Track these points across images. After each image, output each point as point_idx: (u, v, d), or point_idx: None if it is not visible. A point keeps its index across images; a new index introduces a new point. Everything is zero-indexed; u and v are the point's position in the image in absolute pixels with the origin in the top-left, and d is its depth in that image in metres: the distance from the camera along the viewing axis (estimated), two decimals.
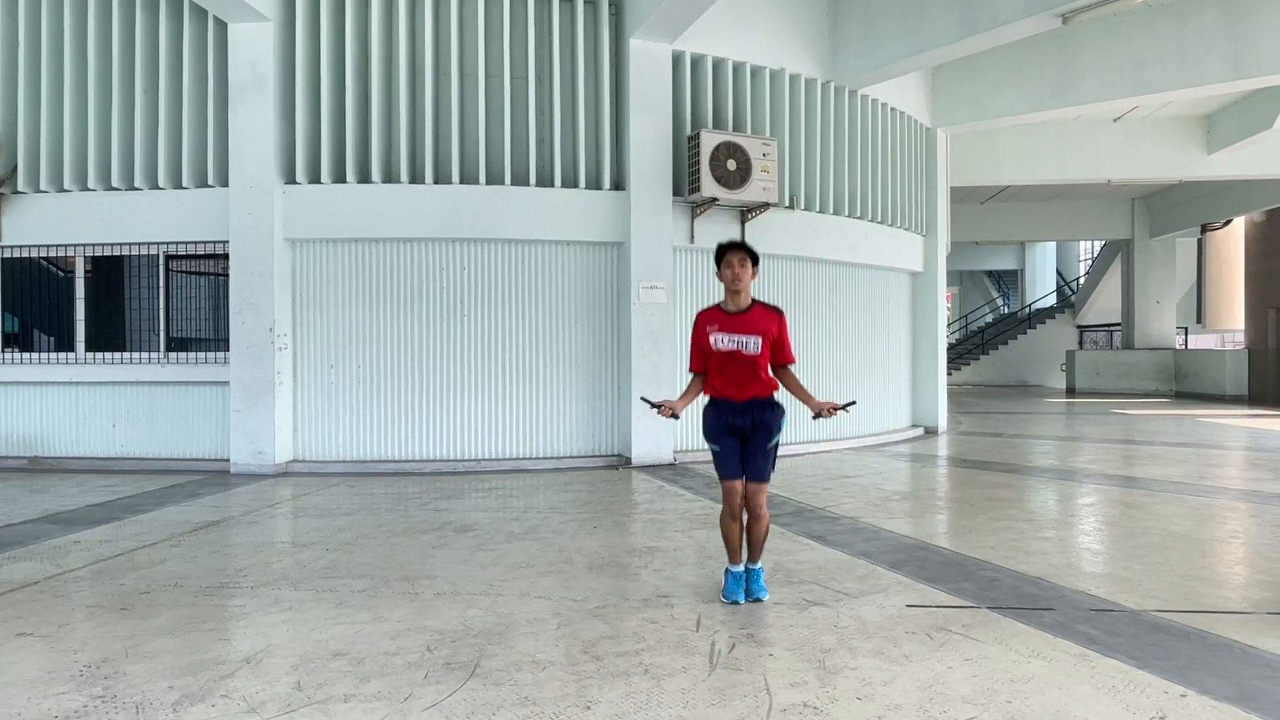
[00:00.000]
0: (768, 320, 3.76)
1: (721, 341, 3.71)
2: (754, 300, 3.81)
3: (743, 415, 3.74)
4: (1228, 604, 3.68)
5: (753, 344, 3.70)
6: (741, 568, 3.78)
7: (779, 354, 3.80)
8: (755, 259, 3.79)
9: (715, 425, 3.79)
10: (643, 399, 4.22)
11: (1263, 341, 17.10)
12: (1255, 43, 9.11)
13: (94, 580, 4.08)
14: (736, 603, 3.68)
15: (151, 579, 4.09)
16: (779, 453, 3.86)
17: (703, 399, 3.91)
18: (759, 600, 3.72)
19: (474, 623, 3.41)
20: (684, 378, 8.43)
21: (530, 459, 8.06)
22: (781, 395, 3.85)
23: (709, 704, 2.63)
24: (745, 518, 3.79)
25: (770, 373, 3.81)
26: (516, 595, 3.80)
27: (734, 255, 3.74)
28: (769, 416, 3.75)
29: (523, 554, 4.59)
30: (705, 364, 3.81)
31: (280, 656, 3.03)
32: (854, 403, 3.93)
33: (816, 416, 3.73)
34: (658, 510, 5.88)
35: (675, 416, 3.76)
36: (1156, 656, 2.99)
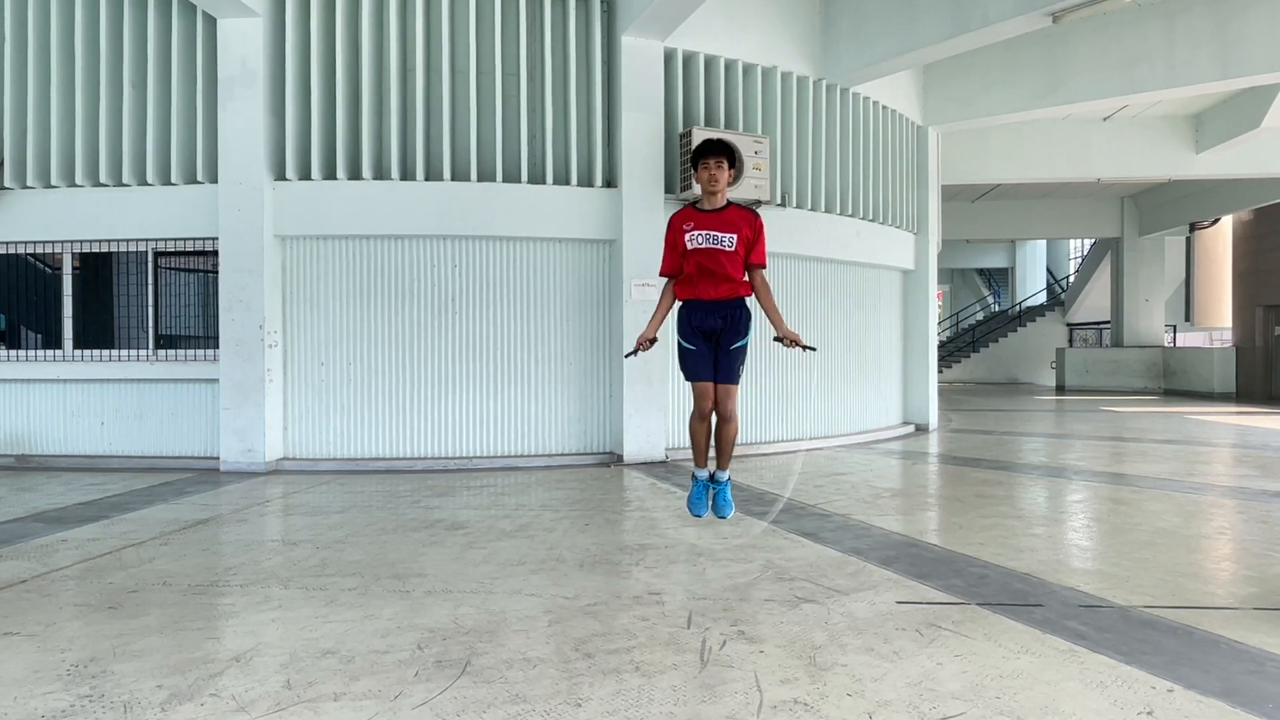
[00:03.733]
0: (743, 220, 3.77)
1: (698, 239, 3.72)
2: (729, 201, 3.81)
3: (715, 314, 3.75)
4: (1215, 600, 3.71)
5: (728, 240, 3.71)
6: (708, 473, 3.81)
7: (753, 254, 3.80)
8: (732, 161, 3.77)
9: (688, 326, 3.79)
10: (625, 356, 4.22)
11: (1250, 339, 17.23)
12: (1243, 43, 9.16)
13: (82, 579, 4.05)
14: (699, 516, 3.71)
15: (140, 577, 4.07)
16: (744, 356, 3.89)
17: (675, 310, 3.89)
18: (722, 517, 3.74)
19: (465, 620, 3.41)
20: (675, 375, 8.46)
21: (522, 456, 8.05)
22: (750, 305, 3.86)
23: (700, 701, 2.63)
24: (714, 421, 3.80)
25: (745, 275, 3.81)
26: (507, 593, 3.80)
27: (711, 158, 3.74)
28: (740, 316, 3.77)
29: (514, 552, 4.58)
30: (678, 266, 3.80)
31: (270, 655, 3.02)
32: (814, 348, 3.96)
33: (778, 340, 3.76)
34: (649, 508, 5.88)
35: (653, 342, 3.81)
36: (1144, 652, 3.01)
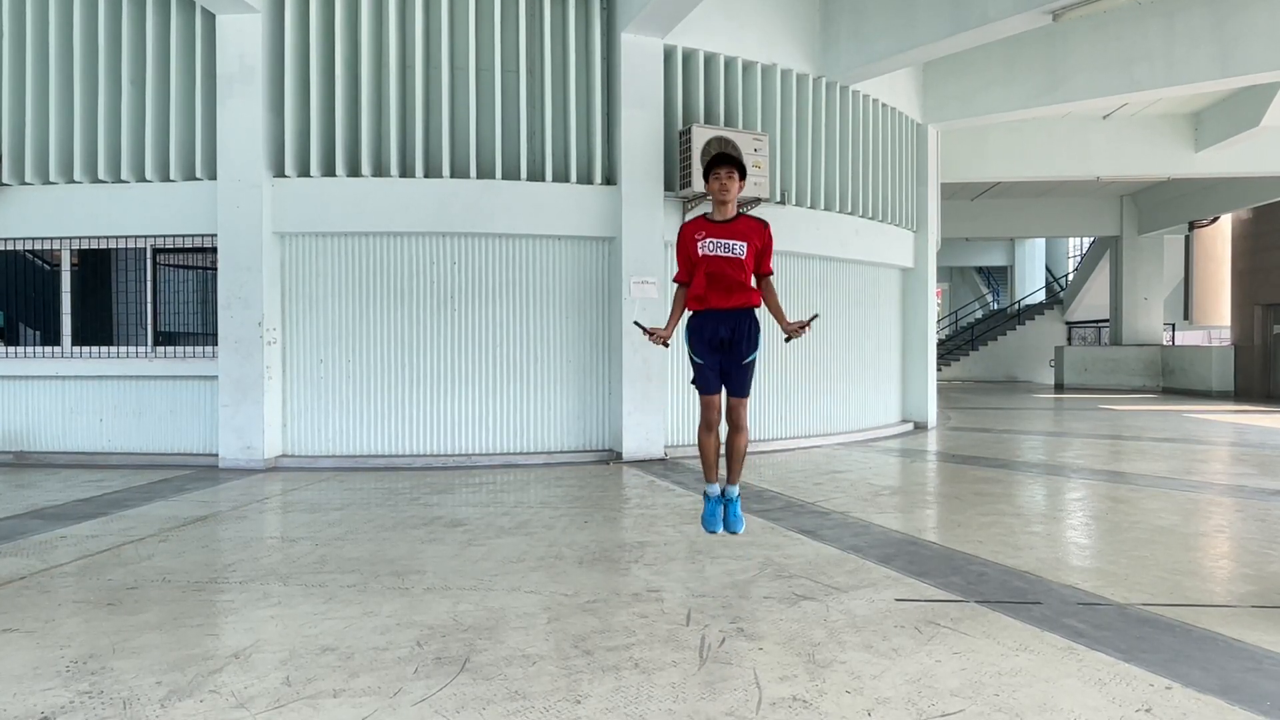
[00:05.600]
0: (753, 230, 3.82)
1: (709, 247, 3.76)
2: (740, 211, 3.87)
3: (725, 324, 3.79)
4: (1213, 598, 3.71)
5: (739, 248, 3.76)
6: (718, 489, 3.85)
7: (762, 263, 3.86)
8: (743, 171, 3.82)
9: (699, 337, 3.83)
10: (635, 323, 4.25)
11: (1249, 338, 17.24)
12: (1243, 41, 9.16)
13: (80, 575, 4.05)
14: (714, 532, 3.74)
15: (139, 574, 4.07)
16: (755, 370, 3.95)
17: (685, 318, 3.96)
18: (734, 534, 3.77)
19: (464, 617, 3.41)
20: (675, 372, 8.48)
21: (521, 454, 8.05)
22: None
23: (699, 697, 2.63)
24: (724, 433, 3.84)
25: (754, 283, 3.87)
26: (507, 590, 3.80)
27: (722, 168, 3.79)
28: (750, 327, 3.82)
29: (513, 549, 4.58)
30: (690, 273, 3.85)
31: (269, 651, 3.02)
32: (816, 315, 4.04)
33: (788, 339, 3.81)
34: (648, 505, 5.88)
35: (666, 344, 3.88)
36: (1142, 649, 3.02)
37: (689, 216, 8.31)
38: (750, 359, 3.81)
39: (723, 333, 3.78)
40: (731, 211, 3.84)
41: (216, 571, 4.14)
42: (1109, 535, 4.96)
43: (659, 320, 8.02)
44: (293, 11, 7.60)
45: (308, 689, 2.70)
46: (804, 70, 9.24)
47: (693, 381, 3.91)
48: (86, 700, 2.61)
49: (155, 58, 7.82)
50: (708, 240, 3.77)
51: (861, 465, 7.84)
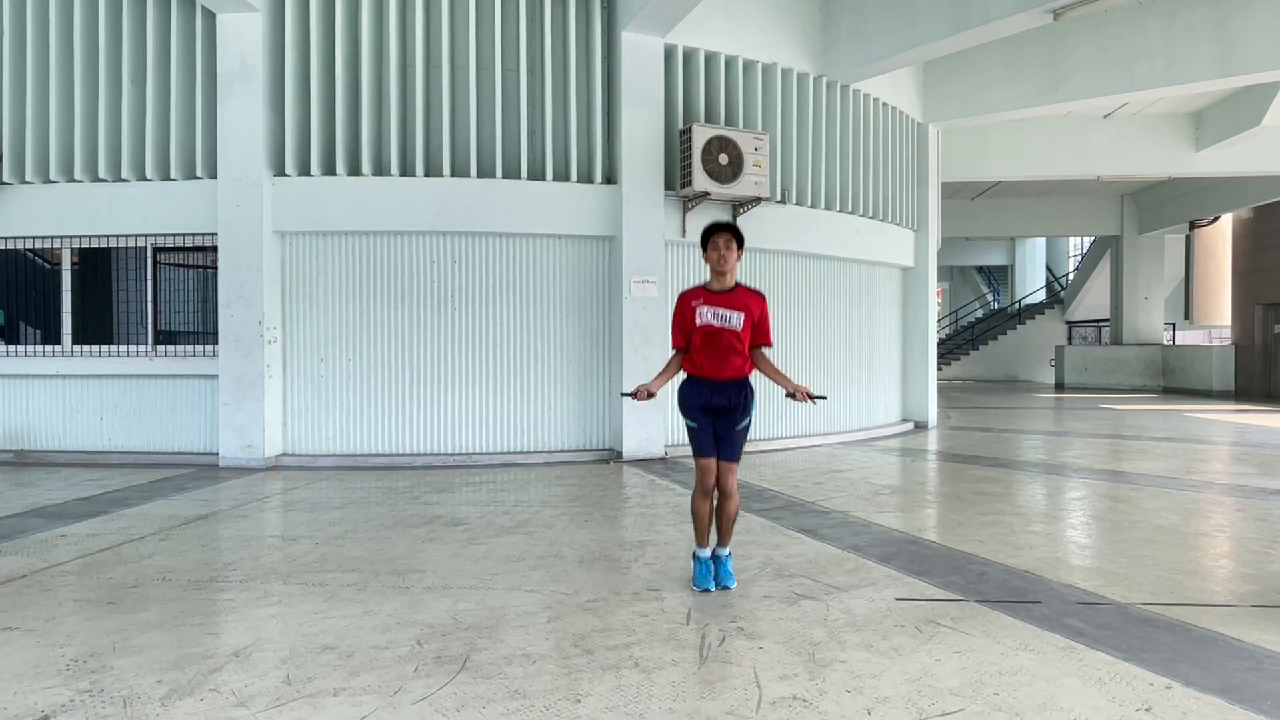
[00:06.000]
0: (750, 301, 3.86)
1: (706, 316, 3.79)
2: (738, 283, 3.89)
3: (720, 393, 3.82)
4: (1213, 597, 3.71)
5: (736, 319, 3.79)
6: (709, 552, 3.88)
7: (758, 335, 3.89)
8: (741, 241, 3.86)
9: (692, 403, 3.86)
10: (622, 395, 4.32)
11: (1249, 337, 17.24)
12: (1243, 40, 9.15)
13: (81, 574, 4.05)
14: (707, 590, 3.74)
15: (139, 573, 4.07)
16: (748, 436, 3.97)
17: (678, 379, 3.98)
18: (727, 589, 3.78)
19: (464, 616, 3.41)
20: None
21: (521, 453, 8.05)
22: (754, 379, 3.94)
23: (699, 697, 2.64)
24: (716, 498, 3.87)
25: (748, 354, 3.89)
26: (507, 589, 3.80)
27: (720, 237, 3.83)
28: (744, 397, 3.86)
29: (513, 548, 4.58)
30: (687, 341, 3.88)
31: (269, 650, 3.02)
32: (824, 398, 4.10)
33: (790, 396, 3.84)
34: (649, 504, 5.88)
35: (652, 396, 3.89)
36: (1142, 649, 3.02)
37: (695, 213, 8.33)
38: (744, 425, 3.85)
39: (716, 400, 3.82)
40: (730, 282, 3.87)
41: (217, 570, 4.14)
42: (1109, 535, 4.96)
43: (658, 320, 8.04)
44: (293, 10, 7.59)
45: (308, 687, 2.70)
46: (804, 69, 9.24)
47: (690, 443, 3.92)
48: (87, 699, 2.61)
49: (156, 56, 7.82)
50: (705, 309, 3.80)
51: (862, 464, 7.84)
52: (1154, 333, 20.55)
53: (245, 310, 7.55)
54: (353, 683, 2.74)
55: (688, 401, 3.87)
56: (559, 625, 3.30)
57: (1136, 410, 14.14)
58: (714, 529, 3.92)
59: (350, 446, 7.86)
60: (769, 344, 3.92)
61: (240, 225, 7.53)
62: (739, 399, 3.83)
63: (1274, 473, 7.23)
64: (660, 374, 3.96)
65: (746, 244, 3.95)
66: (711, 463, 3.82)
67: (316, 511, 5.63)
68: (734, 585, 3.83)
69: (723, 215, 8.54)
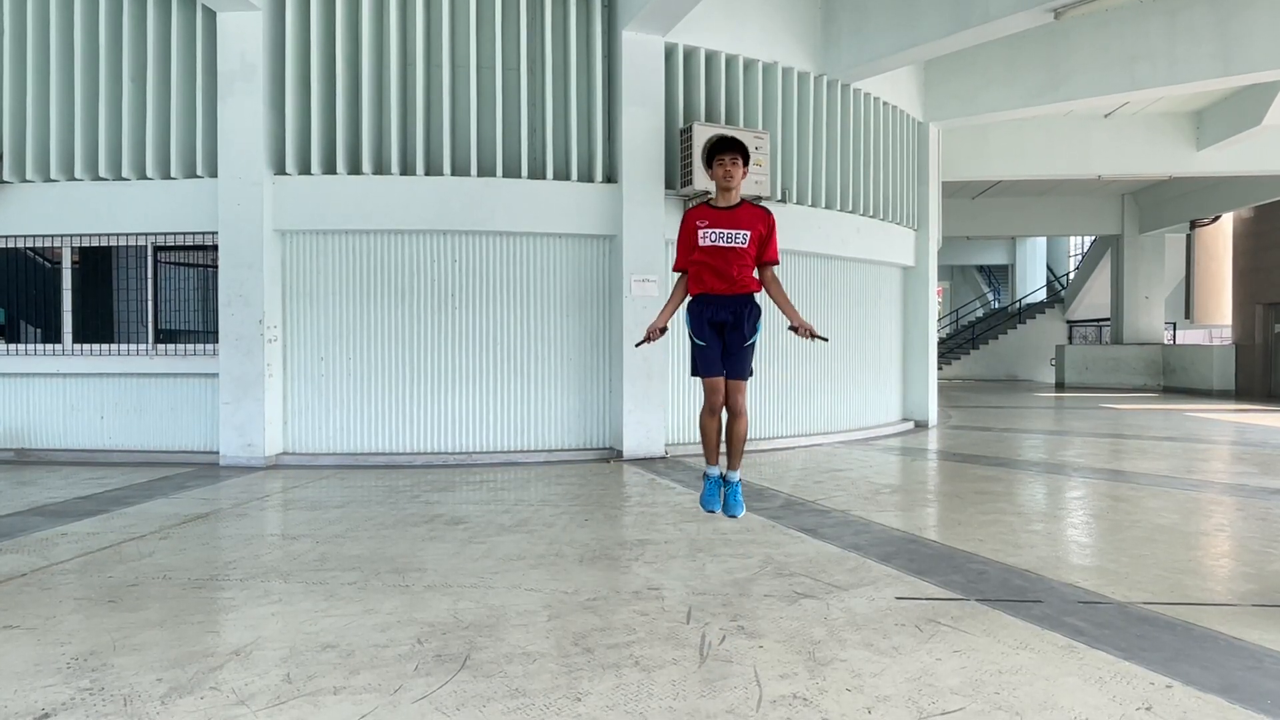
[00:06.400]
0: (756, 218, 3.84)
1: (710, 236, 3.79)
2: (743, 199, 3.87)
3: (726, 309, 3.82)
4: (1213, 596, 3.71)
5: (741, 238, 3.78)
6: (719, 471, 3.89)
7: (765, 251, 3.86)
8: (747, 158, 3.84)
9: (699, 320, 3.86)
10: (635, 345, 4.28)
11: (1250, 337, 17.23)
12: (1245, 40, 9.14)
13: (81, 572, 4.05)
14: (713, 511, 3.77)
15: (140, 571, 4.07)
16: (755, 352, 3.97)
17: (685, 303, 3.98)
18: (733, 516, 3.79)
19: (464, 615, 3.41)
20: (675, 370, 8.47)
21: (521, 452, 8.05)
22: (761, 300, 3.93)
23: (699, 695, 2.64)
24: (725, 417, 3.88)
25: (755, 272, 3.88)
26: (507, 587, 3.80)
27: (726, 155, 3.80)
28: (751, 312, 3.84)
29: (514, 546, 4.59)
30: (690, 259, 3.87)
31: (270, 649, 3.02)
32: (826, 339, 4.05)
33: (792, 329, 3.84)
34: (649, 503, 5.88)
35: (664, 331, 3.90)
36: (1143, 648, 3.02)
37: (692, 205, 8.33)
38: (751, 341, 3.84)
39: (723, 316, 3.81)
40: (735, 198, 3.85)
41: (217, 569, 4.14)
42: (1110, 534, 4.96)
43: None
44: (294, 9, 7.59)
45: (308, 686, 2.70)
46: (805, 68, 9.23)
47: (693, 372, 3.91)
48: (87, 697, 2.61)
49: (156, 55, 7.82)
50: (710, 229, 3.79)
51: (862, 463, 7.84)
52: (1154, 332, 20.55)
53: (246, 309, 7.55)
54: (353, 681, 2.74)
55: (695, 319, 3.86)
56: (559, 624, 3.30)
57: (1137, 409, 14.14)
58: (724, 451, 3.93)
59: (350, 445, 7.86)
60: (776, 261, 3.90)
61: (241, 224, 7.53)
62: (746, 314, 3.81)
63: (1274, 472, 7.23)
64: (667, 304, 3.95)
65: (745, 144, 3.91)
66: (719, 381, 3.82)
67: (317, 510, 5.63)
68: (741, 514, 3.86)
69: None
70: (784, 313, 3.86)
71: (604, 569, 4.15)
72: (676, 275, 4.01)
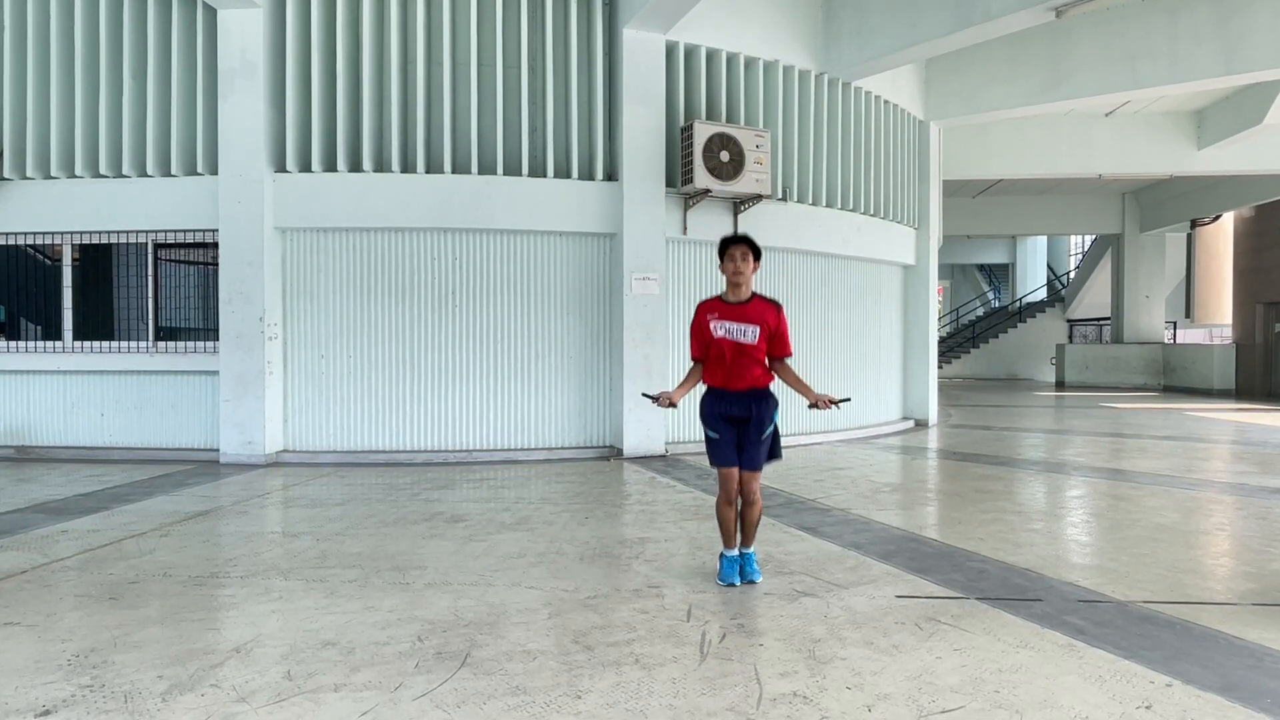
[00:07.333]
0: (766, 312, 3.87)
1: (721, 330, 3.82)
2: (754, 293, 3.89)
3: (739, 405, 3.85)
4: (1213, 595, 3.71)
5: (751, 333, 3.81)
6: (736, 552, 3.89)
7: (776, 346, 3.89)
8: (758, 254, 3.87)
9: (712, 413, 3.89)
10: (643, 395, 4.35)
11: (1250, 336, 17.23)
12: (1246, 39, 9.14)
13: (82, 570, 4.06)
14: (733, 584, 3.79)
15: (140, 568, 4.07)
16: (782, 442, 3.98)
17: (700, 389, 4.01)
18: (753, 583, 3.82)
19: (465, 613, 3.41)
20: (675, 369, 8.48)
21: (521, 450, 8.06)
22: (777, 387, 3.93)
23: (699, 693, 2.64)
24: (739, 504, 3.90)
25: (767, 364, 3.91)
26: (507, 585, 3.81)
27: (737, 249, 3.85)
28: (764, 407, 3.86)
29: (514, 544, 4.59)
30: (705, 352, 3.91)
31: (270, 646, 3.03)
32: (849, 399, 4.05)
33: (812, 407, 3.87)
34: (649, 501, 5.89)
35: (673, 405, 3.92)
36: (1143, 647, 3.02)
37: (696, 210, 8.32)
38: (766, 434, 3.85)
39: (737, 411, 3.84)
40: (745, 294, 3.87)
41: (218, 566, 4.14)
42: (1109, 533, 4.96)
43: (659, 318, 8.04)
44: (294, 7, 7.59)
45: (309, 683, 2.70)
46: (806, 66, 9.22)
47: (710, 462, 3.93)
48: (88, 694, 2.61)
49: (156, 52, 7.81)
50: (720, 323, 3.82)
51: (862, 462, 7.84)
52: (1155, 331, 20.54)
53: (246, 306, 7.55)
54: (353, 678, 2.74)
55: (708, 412, 3.90)
56: (559, 622, 3.31)
57: (1137, 409, 14.14)
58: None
59: (351, 443, 7.87)
60: (789, 354, 3.92)
61: (241, 221, 7.53)
62: (759, 409, 3.83)
63: (1274, 471, 7.23)
64: (682, 384, 3.99)
65: (756, 242, 3.94)
66: (733, 471, 3.85)
67: (317, 508, 5.63)
68: (760, 580, 3.87)
69: (724, 212, 8.54)
70: (801, 394, 3.88)
71: (604, 567, 4.15)
72: (692, 363, 4.02)
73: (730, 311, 3.83)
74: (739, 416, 3.83)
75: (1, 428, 8.15)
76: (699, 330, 3.89)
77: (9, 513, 5.42)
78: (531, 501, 5.87)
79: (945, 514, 5.58)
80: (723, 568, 3.86)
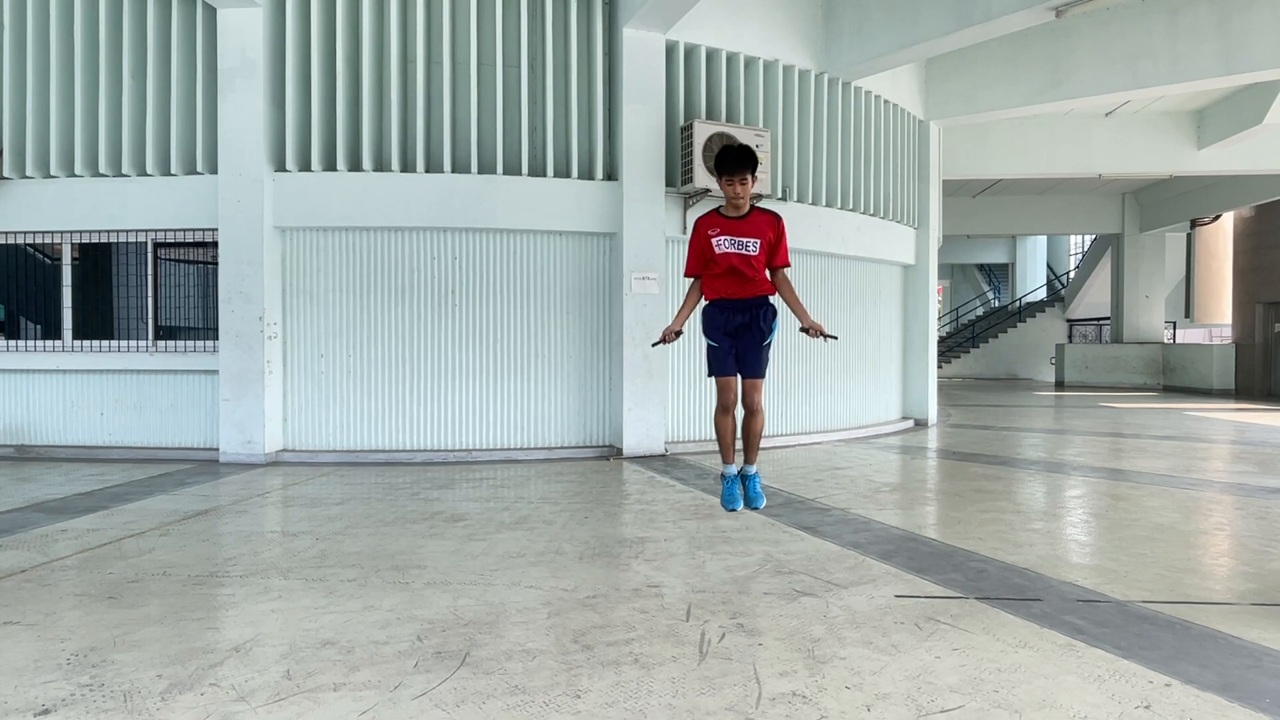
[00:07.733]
0: (766, 224, 3.92)
1: (723, 244, 3.87)
2: (752, 205, 3.95)
3: (741, 313, 3.91)
4: (1212, 595, 3.71)
5: (752, 245, 3.87)
6: (736, 469, 3.95)
7: (775, 256, 3.95)
8: (754, 168, 3.88)
9: (714, 324, 3.95)
10: (652, 345, 4.37)
11: (1250, 336, 17.23)
12: (1246, 38, 9.13)
13: (81, 569, 4.06)
14: (735, 510, 3.83)
15: (140, 568, 4.07)
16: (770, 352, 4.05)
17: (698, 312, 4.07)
18: (756, 509, 3.87)
19: (464, 612, 3.41)
20: (675, 368, 8.48)
21: (521, 449, 8.06)
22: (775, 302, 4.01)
23: (699, 693, 2.64)
24: (740, 414, 3.96)
25: (768, 275, 3.97)
26: (507, 585, 3.81)
27: (735, 175, 3.85)
28: (765, 315, 3.93)
29: (513, 544, 4.59)
30: (703, 268, 3.96)
31: (269, 645, 3.03)
32: (835, 337, 4.14)
33: (803, 330, 3.93)
34: (648, 501, 5.89)
35: (679, 335, 3.98)
36: (1142, 646, 3.02)
37: (696, 210, 8.33)
38: (768, 340, 3.92)
39: (738, 319, 3.90)
40: (745, 208, 3.93)
41: (217, 565, 4.14)
42: (1109, 532, 4.96)
43: (659, 317, 8.04)
44: (294, 5, 7.58)
45: (308, 682, 2.70)
46: (806, 66, 9.22)
47: (708, 372, 3.98)
48: (87, 693, 2.61)
49: (156, 51, 7.81)
50: (721, 237, 3.87)
51: (862, 462, 7.84)
52: (1154, 331, 20.54)
53: (246, 306, 7.55)
54: (353, 678, 2.74)
55: (709, 322, 3.94)
56: (559, 621, 3.31)
57: (1136, 408, 14.14)
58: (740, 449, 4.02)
59: (350, 442, 7.87)
60: (787, 264, 3.98)
61: (241, 221, 7.52)
62: (761, 317, 3.89)
63: (1273, 471, 7.23)
64: (681, 308, 4.04)
65: (753, 152, 3.96)
66: (731, 380, 3.91)
67: (317, 507, 5.63)
68: (763, 505, 3.94)
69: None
70: (795, 314, 3.96)
71: (604, 566, 4.15)
72: (688, 281, 4.08)
73: (731, 226, 3.88)
74: (741, 324, 3.88)
75: (1, 427, 8.15)
76: (698, 247, 3.92)
77: (8, 512, 5.42)
78: (531, 501, 5.87)
79: (945, 514, 5.59)
80: (725, 490, 3.93)
